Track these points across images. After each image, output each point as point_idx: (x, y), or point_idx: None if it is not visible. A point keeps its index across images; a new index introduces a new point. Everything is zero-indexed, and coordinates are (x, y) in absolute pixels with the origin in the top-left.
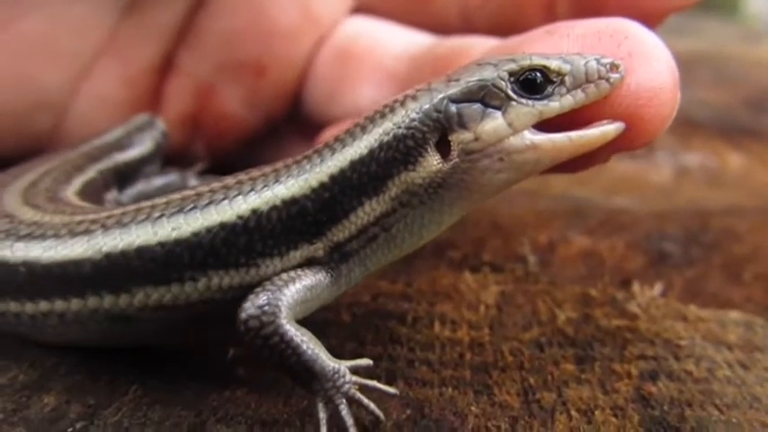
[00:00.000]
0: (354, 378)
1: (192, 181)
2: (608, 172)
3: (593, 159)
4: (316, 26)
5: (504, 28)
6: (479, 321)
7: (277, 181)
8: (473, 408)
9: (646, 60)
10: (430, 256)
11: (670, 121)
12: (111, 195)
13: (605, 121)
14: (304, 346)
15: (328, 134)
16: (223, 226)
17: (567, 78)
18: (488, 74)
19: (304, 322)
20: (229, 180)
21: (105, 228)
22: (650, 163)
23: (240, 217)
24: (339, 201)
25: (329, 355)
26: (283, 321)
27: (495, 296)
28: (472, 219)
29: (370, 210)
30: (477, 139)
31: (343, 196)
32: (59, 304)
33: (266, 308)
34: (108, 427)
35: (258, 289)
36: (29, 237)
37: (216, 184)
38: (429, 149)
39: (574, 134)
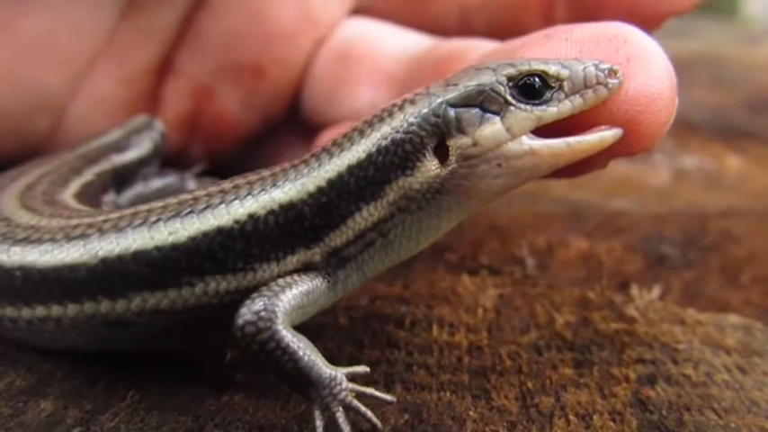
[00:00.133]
0: (351, 385)
1: (191, 183)
2: (606, 174)
3: (591, 165)
4: (314, 28)
5: (502, 30)
6: (477, 325)
7: (274, 185)
8: (471, 412)
9: (644, 66)
10: (428, 258)
11: (668, 127)
12: (109, 197)
13: (603, 127)
14: (300, 353)
15: (326, 136)
16: (220, 230)
17: (565, 84)
18: (487, 79)
19: (301, 325)
20: (227, 184)
21: (102, 232)
22: (648, 165)
23: (237, 221)
24: (337, 206)
25: (326, 362)
26: (280, 327)
27: (494, 299)
28: (470, 221)
29: (367, 215)
30: (475, 144)
31: (341, 201)
32: (56, 309)
33: (263, 314)
34: None
35: (254, 294)
36: (25, 241)
37: (213, 189)
38: (427, 154)
39: (572, 140)
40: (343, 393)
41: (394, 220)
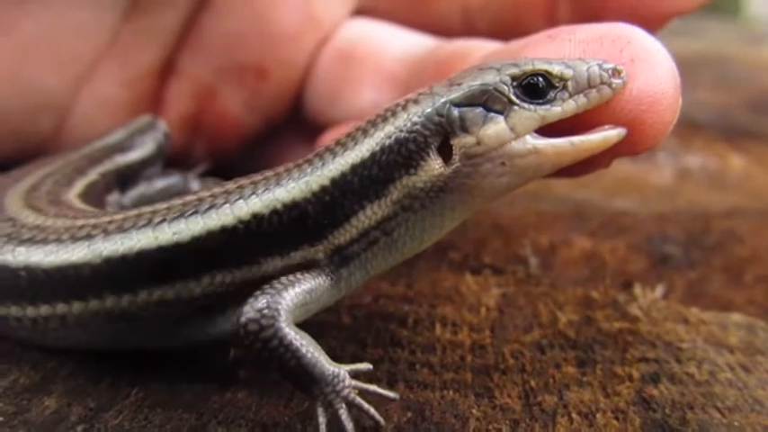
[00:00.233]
0: (354, 382)
1: (194, 183)
2: (609, 174)
3: (595, 164)
4: (317, 29)
5: (505, 31)
6: (480, 324)
7: (278, 184)
8: (474, 411)
9: (648, 66)
10: (431, 257)
11: (672, 127)
12: (113, 198)
13: (607, 127)
14: (303, 350)
15: (329, 136)
16: (224, 229)
17: (569, 83)
18: (491, 78)
19: (304, 323)
20: (231, 185)
21: (107, 233)
22: (651, 165)
23: (242, 221)
24: (341, 204)
25: (329, 359)
26: (283, 325)
27: (497, 298)
28: (473, 220)
29: (371, 213)
30: (479, 143)
31: (345, 200)
32: (61, 307)
33: (266, 311)
34: (109, 429)
35: (257, 292)
36: (30, 241)
37: (217, 190)
38: (431, 153)
39: (576, 139)
40: (346, 390)
41: (398, 218)
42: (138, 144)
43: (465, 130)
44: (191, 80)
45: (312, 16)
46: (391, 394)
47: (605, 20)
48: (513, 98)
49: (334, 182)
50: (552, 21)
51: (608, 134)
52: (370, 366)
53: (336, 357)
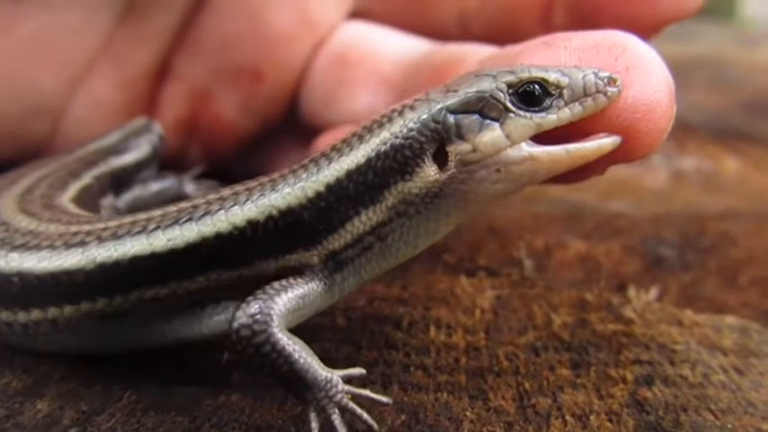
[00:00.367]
0: (347, 387)
1: (189, 185)
2: (604, 176)
3: (590, 171)
4: (313, 31)
5: (501, 35)
6: (475, 326)
7: (273, 190)
8: (468, 413)
9: (643, 74)
10: (426, 260)
11: (666, 135)
12: (108, 201)
13: (602, 135)
14: (296, 356)
15: (324, 139)
16: (219, 236)
17: (565, 91)
18: (487, 85)
19: (298, 326)
20: (226, 192)
21: (101, 240)
22: (646, 167)
23: (236, 227)
24: (335, 210)
25: (321, 365)
26: (275, 330)
27: (491, 300)
28: (468, 223)
29: (366, 219)
30: (474, 150)
31: (340, 206)
32: (52, 311)
33: (258, 317)
34: None
35: (250, 298)
36: (23, 247)
37: (212, 196)
38: (426, 160)
39: (571, 147)
40: (339, 396)
41: (392, 224)
42: (133, 146)
43: (461, 136)
44: (186, 82)
45: (308, 19)
46: (384, 399)
47: (600, 25)
48: (509, 105)
49: (329, 187)
50: (547, 25)
51: (603, 142)
52: (363, 371)
53: (331, 359)
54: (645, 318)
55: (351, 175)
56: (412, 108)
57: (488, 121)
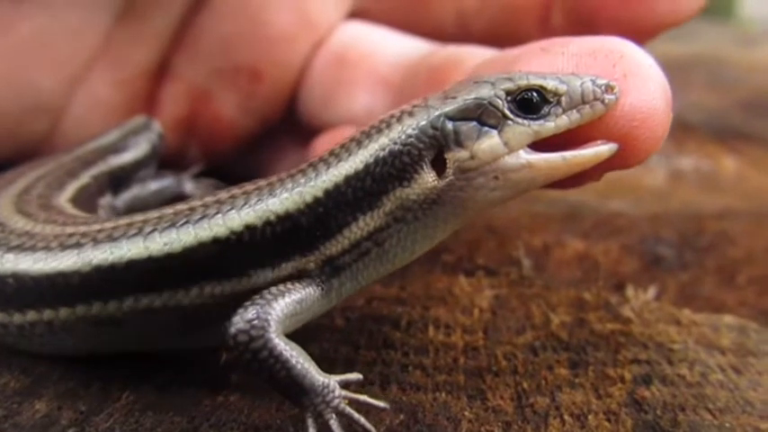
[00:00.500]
0: (344, 392)
1: (188, 184)
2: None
3: (586, 178)
4: (312, 31)
5: (500, 36)
6: (473, 325)
7: (271, 195)
8: (466, 413)
9: (640, 81)
10: (424, 260)
11: (663, 141)
12: (106, 200)
13: (599, 142)
14: (293, 361)
15: (323, 139)
16: (216, 240)
17: (563, 99)
18: (485, 92)
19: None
20: (223, 194)
21: (96, 242)
22: (644, 166)
23: (234, 232)
24: (333, 215)
25: (319, 370)
26: (272, 335)
27: (490, 300)
28: (467, 222)
29: (363, 225)
30: (473, 157)
31: (338, 211)
32: (48, 313)
33: (255, 322)
34: None
35: (247, 303)
36: (19, 248)
37: (209, 199)
38: (425, 166)
39: (568, 154)
40: (336, 401)
41: (390, 230)
42: (132, 145)
43: (459, 143)
44: (185, 82)
45: (307, 18)
46: (381, 404)
47: (598, 27)
48: (508, 113)
49: (327, 193)
50: (546, 26)
51: (600, 149)
52: (360, 377)
53: (329, 359)
54: (643, 317)
55: (349, 180)
56: (410, 114)
57: (486, 129)
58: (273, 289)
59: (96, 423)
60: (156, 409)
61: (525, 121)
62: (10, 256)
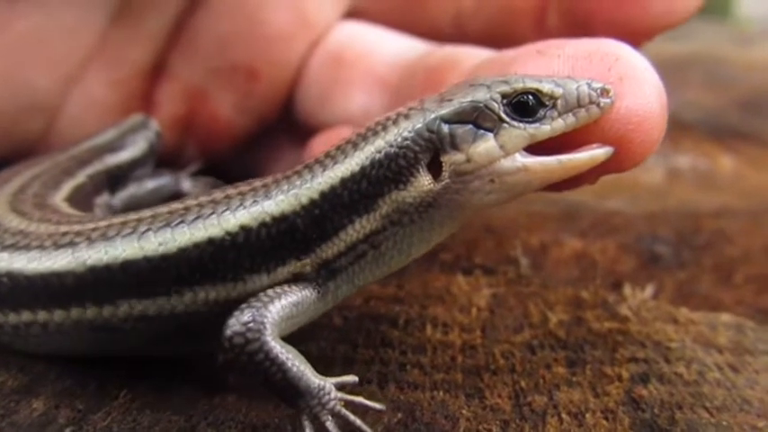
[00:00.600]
0: (340, 394)
1: (185, 183)
2: None
3: (581, 181)
4: (309, 30)
5: (496, 37)
6: (471, 324)
7: (267, 197)
8: (464, 411)
9: (636, 84)
10: (422, 259)
11: (658, 144)
12: (102, 199)
13: (595, 145)
14: (289, 364)
15: (320, 139)
16: (211, 242)
17: (558, 102)
18: (481, 95)
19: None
20: (218, 194)
21: (90, 241)
22: (641, 165)
23: (229, 233)
24: (329, 218)
25: (315, 372)
26: (268, 338)
27: (487, 299)
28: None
29: (359, 227)
30: (469, 160)
31: (334, 213)
32: (42, 315)
33: (251, 324)
34: (97, 431)
35: (243, 305)
36: (13, 247)
37: (204, 199)
38: (421, 169)
39: (564, 157)
40: (332, 403)
41: (386, 232)
42: (129, 144)
43: (455, 147)
44: (181, 81)
45: (304, 18)
46: (378, 406)
47: (593, 29)
48: (504, 116)
49: (323, 195)
50: (542, 27)
51: (595, 153)
52: (356, 379)
53: (327, 358)
54: (640, 315)
55: (345, 182)
56: (406, 117)
57: (482, 132)
58: (270, 291)
59: (94, 422)
60: (154, 408)
61: (521, 125)
62: (4, 255)
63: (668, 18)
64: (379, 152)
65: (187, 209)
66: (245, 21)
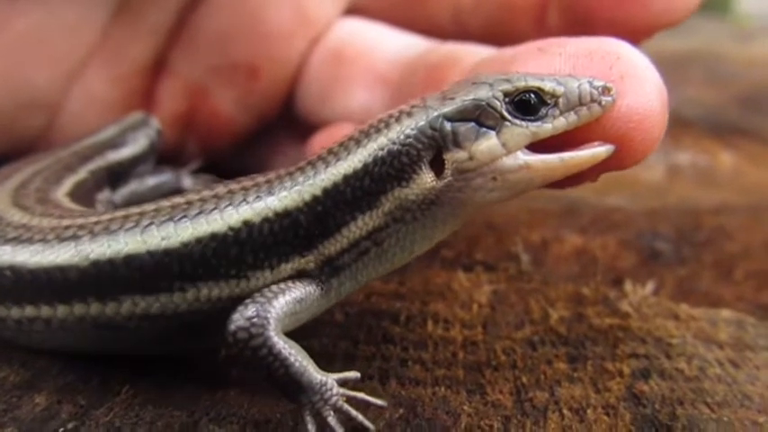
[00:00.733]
0: (342, 390)
1: (186, 180)
2: None
3: (583, 178)
4: (309, 27)
5: (496, 34)
6: (472, 320)
7: (270, 192)
8: (466, 407)
9: (637, 83)
10: (423, 255)
11: (659, 143)
12: (104, 195)
13: (596, 143)
14: (292, 359)
15: (320, 136)
16: (214, 237)
17: (560, 100)
18: (484, 93)
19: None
20: (221, 189)
21: (93, 234)
22: (642, 162)
23: (232, 228)
24: (332, 214)
25: (317, 368)
26: (272, 333)
27: (488, 295)
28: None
29: (362, 224)
30: (471, 158)
31: (336, 210)
32: (46, 310)
33: (255, 319)
34: (100, 427)
35: (248, 300)
36: (16, 240)
37: (207, 193)
38: (423, 167)
39: (566, 155)
40: (335, 398)
41: (389, 229)
42: (130, 141)
43: (457, 144)
44: (182, 78)
45: (304, 15)
46: (379, 402)
47: (593, 26)
48: (506, 114)
49: (326, 191)
50: (542, 25)
51: (597, 151)
52: (359, 375)
53: (329, 354)
54: (641, 312)
55: (347, 179)
56: (409, 114)
57: (485, 130)
58: (274, 287)
59: (96, 417)
60: (156, 404)
61: (523, 123)
62: (7, 249)
63: (668, 16)
64: (382, 149)
65: (190, 203)
66: (245, 17)
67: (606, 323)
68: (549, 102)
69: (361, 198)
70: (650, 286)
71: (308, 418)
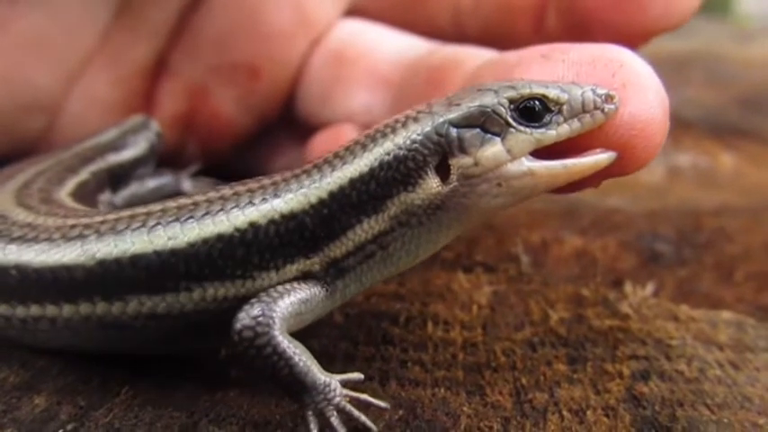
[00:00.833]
0: (345, 391)
1: (186, 182)
2: None
3: (585, 184)
4: (310, 28)
5: (495, 36)
6: (472, 321)
7: (276, 195)
8: (465, 408)
9: (639, 91)
10: None
11: (660, 149)
12: (105, 197)
13: (599, 150)
14: (296, 359)
15: (321, 138)
16: (220, 237)
17: (564, 107)
18: (489, 100)
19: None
20: (226, 191)
21: (99, 234)
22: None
23: (238, 229)
24: (337, 218)
25: (321, 369)
26: (277, 333)
27: (488, 296)
28: None
29: (368, 228)
30: (476, 164)
31: (342, 213)
32: (51, 309)
33: (260, 319)
34: (99, 428)
35: (253, 300)
36: (21, 239)
37: (213, 194)
38: (429, 172)
39: (569, 162)
40: (338, 399)
41: (394, 233)
42: (130, 143)
43: (463, 150)
44: (183, 79)
45: (305, 16)
46: (382, 403)
47: (591, 30)
48: (511, 121)
49: (332, 194)
50: (540, 27)
51: (599, 158)
52: (362, 376)
53: (329, 355)
54: (641, 313)
55: (353, 183)
56: (415, 119)
57: (490, 136)
58: (279, 288)
59: (96, 418)
60: (156, 405)
61: (527, 129)
62: (12, 248)
63: (666, 20)
64: (388, 154)
65: (196, 204)
66: (246, 19)
67: (606, 324)
68: (553, 109)
69: (367, 202)
70: (650, 288)
71: (311, 418)
